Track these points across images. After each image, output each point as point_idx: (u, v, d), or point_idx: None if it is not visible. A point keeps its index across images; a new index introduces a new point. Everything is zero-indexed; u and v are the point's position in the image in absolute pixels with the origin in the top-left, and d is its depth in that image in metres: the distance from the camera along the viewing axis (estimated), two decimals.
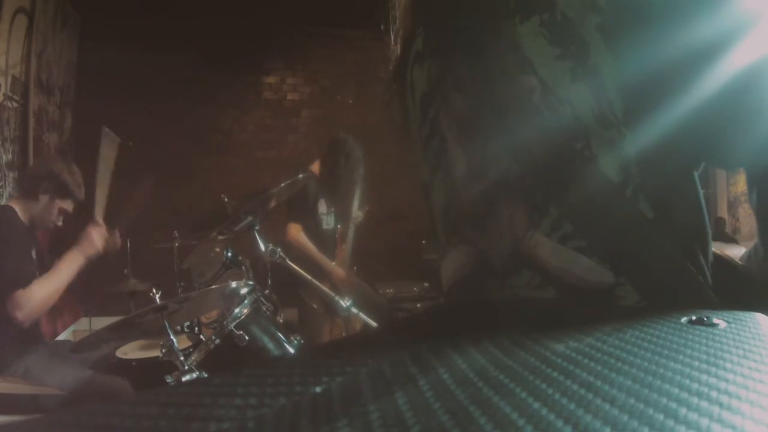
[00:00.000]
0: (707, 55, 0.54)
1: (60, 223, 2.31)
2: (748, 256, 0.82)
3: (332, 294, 2.22)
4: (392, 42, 0.78)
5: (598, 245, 0.59)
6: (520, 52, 0.60)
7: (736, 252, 0.86)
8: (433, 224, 0.77)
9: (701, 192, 0.63)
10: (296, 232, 2.96)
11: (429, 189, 0.76)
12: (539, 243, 0.61)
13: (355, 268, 3.14)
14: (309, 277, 2.20)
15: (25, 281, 1.98)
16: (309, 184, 3.02)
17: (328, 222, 3.16)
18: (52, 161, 2.43)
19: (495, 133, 0.64)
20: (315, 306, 2.78)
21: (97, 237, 2.20)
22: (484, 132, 0.66)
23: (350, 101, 5.28)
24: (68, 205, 2.30)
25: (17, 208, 2.19)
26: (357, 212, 3.13)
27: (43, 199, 2.23)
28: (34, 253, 2.22)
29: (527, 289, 0.63)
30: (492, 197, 0.65)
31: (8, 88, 3.35)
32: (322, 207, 3.12)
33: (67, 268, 2.12)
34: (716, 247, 0.85)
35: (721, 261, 0.65)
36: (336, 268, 2.99)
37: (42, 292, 1.99)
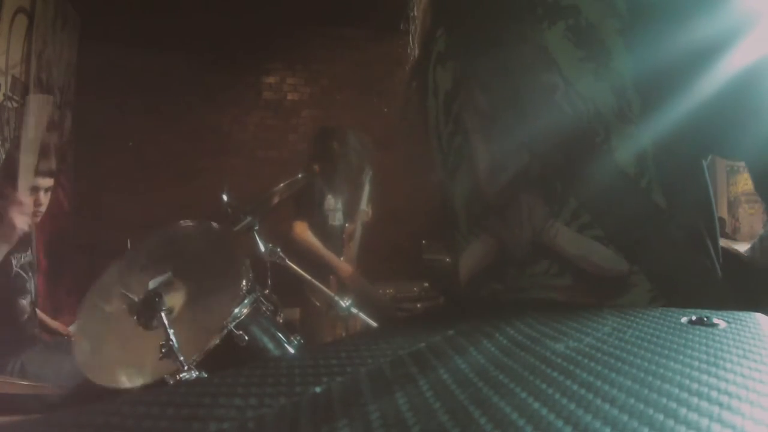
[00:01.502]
0: (716, 52, 0.57)
1: (41, 201, 2.19)
2: (753, 247, 0.83)
3: (332, 294, 2.22)
4: (410, 42, 0.79)
5: (613, 234, 0.62)
6: (548, 55, 0.64)
7: (740, 247, 0.87)
8: (453, 218, 0.79)
9: (709, 181, 0.65)
10: (302, 230, 2.95)
11: (450, 184, 0.78)
12: (559, 232, 0.64)
13: (361, 267, 3.14)
14: (309, 277, 2.20)
15: None
16: (314, 181, 3.02)
17: (334, 218, 3.16)
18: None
19: (517, 129, 0.68)
20: (318, 304, 2.77)
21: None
22: (506, 128, 0.69)
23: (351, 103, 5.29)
24: (40, 182, 2.18)
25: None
26: (365, 208, 3.12)
27: (8, 192, 2.17)
28: (22, 258, 2.21)
29: (546, 277, 0.66)
30: (513, 189, 0.68)
31: (8, 88, 3.35)
32: (329, 203, 3.12)
33: None
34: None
35: (725, 252, 0.67)
36: (343, 263, 2.98)
37: None
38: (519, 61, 0.67)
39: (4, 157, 3.34)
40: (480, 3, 0.72)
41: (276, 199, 2.34)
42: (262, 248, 2.16)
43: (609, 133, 0.61)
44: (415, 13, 0.84)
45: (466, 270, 0.77)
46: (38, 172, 2.17)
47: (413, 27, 0.85)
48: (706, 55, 0.57)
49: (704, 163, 0.66)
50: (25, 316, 2.23)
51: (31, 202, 2.18)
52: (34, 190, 2.19)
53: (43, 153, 2.26)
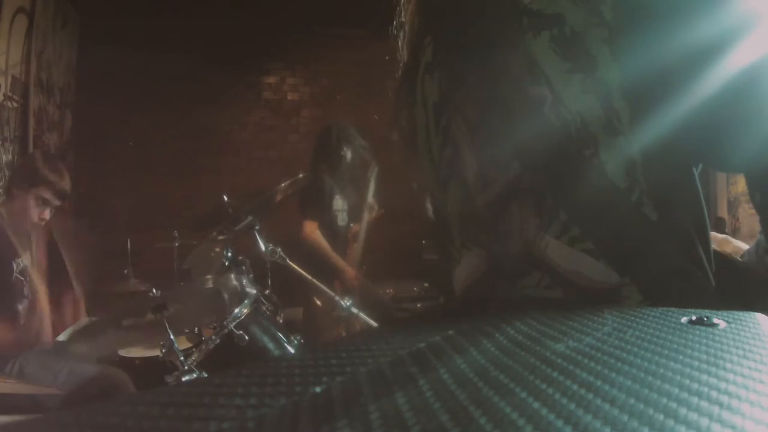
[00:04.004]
0: (708, 58, 0.56)
1: (45, 216, 2.22)
2: (748, 254, 0.83)
3: (332, 294, 2.22)
4: (399, 47, 0.78)
5: (604, 247, 0.61)
6: (536, 66, 0.62)
7: (740, 244, 0.87)
8: (446, 230, 0.78)
9: (701, 190, 0.65)
10: (311, 230, 2.93)
11: (442, 196, 0.77)
12: (549, 245, 0.63)
13: (364, 267, 3.14)
14: (309, 276, 2.20)
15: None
16: (323, 180, 3.01)
17: (343, 218, 3.15)
18: (28, 155, 2.35)
19: (506, 141, 0.67)
20: (320, 304, 2.77)
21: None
22: (495, 140, 0.68)
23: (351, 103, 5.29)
24: (44, 193, 2.19)
25: (2, 212, 2.15)
26: (371, 202, 3.11)
27: (17, 193, 2.17)
28: (21, 261, 2.21)
29: (537, 290, 0.65)
30: (503, 202, 0.67)
31: (8, 88, 3.35)
32: (337, 203, 3.11)
33: None
34: (722, 238, 0.86)
35: (721, 258, 0.66)
36: (348, 267, 2.98)
37: None
38: (507, 72, 0.65)
39: (10, 157, 3.35)
40: (466, 12, 0.71)
41: (277, 199, 2.34)
42: (263, 248, 2.17)
43: (598, 145, 0.60)
44: (404, 18, 0.83)
45: (459, 283, 0.77)
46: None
47: (402, 32, 0.84)
48: (695, 62, 0.56)
49: (695, 170, 0.65)
50: (24, 319, 2.23)
51: (36, 214, 2.20)
52: (45, 202, 2.21)
53: (60, 172, 2.27)
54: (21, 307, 2.22)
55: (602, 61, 0.60)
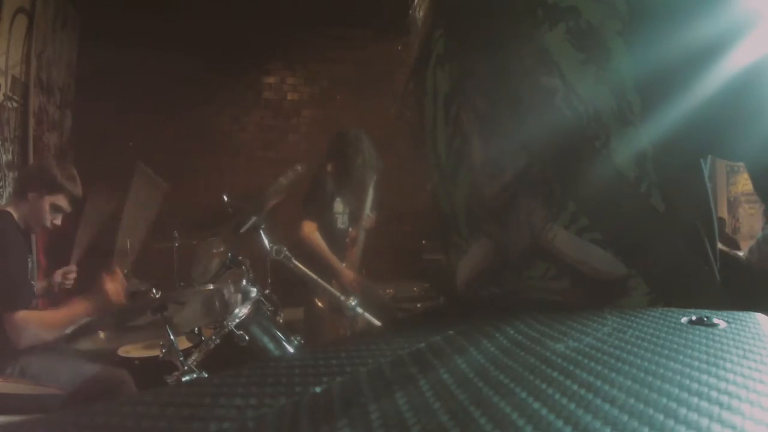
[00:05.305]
0: (717, 52, 0.57)
1: (58, 222, 2.24)
2: (751, 250, 0.83)
3: (338, 294, 2.22)
4: (412, 43, 0.80)
5: (612, 238, 0.62)
6: (549, 57, 0.63)
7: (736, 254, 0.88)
8: (453, 221, 0.79)
9: (708, 184, 0.65)
10: (311, 230, 2.93)
11: (450, 187, 0.78)
12: (557, 235, 0.64)
13: (363, 271, 3.14)
14: (315, 277, 2.19)
15: (24, 302, 1.97)
16: (326, 182, 3.02)
17: (343, 221, 3.16)
18: (42, 159, 2.37)
19: (516, 132, 0.68)
20: (321, 305, 2.77)
21: (112, 288, 2.08)
22: (505, 130, 0.69)
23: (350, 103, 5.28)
24: (60, 201, 2.21)
25: (12, 211, 2.14)
26: (369, 213, 3.13)
27: (32, 197, 2.16)
28: (29, 261, 2.21)
29: (544, 281, 0.66)
30: (512, 192, 0.68)
31: (8, 88, 3.35)
32: (338, 206, 3.12)
33: (72, 314, 2.07)
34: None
35: (723, 255, 0.66)
36: (345, 269, 2.98)
37: (40, 324, 1.97)
38: (518, 63, 0.66)
39: (10, 157, 3.35)
40: (479, 5, 0.72)
41: (279, 197, 2.34)
42: (268, 247, 2.15)
43: (609, 136, 0.61)
44: (417, 14, 0.84)
45: (465, 273, 0.77)
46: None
47: (414, 27, 0.85)
48: (706, 55, 0.57)
49: (703, 165, 0.66)
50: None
51: (50, 220, 2.22)
52: (58, 209, 2.23)
53: (75, 180, 2.30)
54: (33, 303, 2.23)
55: (616, 53, 0.61)
